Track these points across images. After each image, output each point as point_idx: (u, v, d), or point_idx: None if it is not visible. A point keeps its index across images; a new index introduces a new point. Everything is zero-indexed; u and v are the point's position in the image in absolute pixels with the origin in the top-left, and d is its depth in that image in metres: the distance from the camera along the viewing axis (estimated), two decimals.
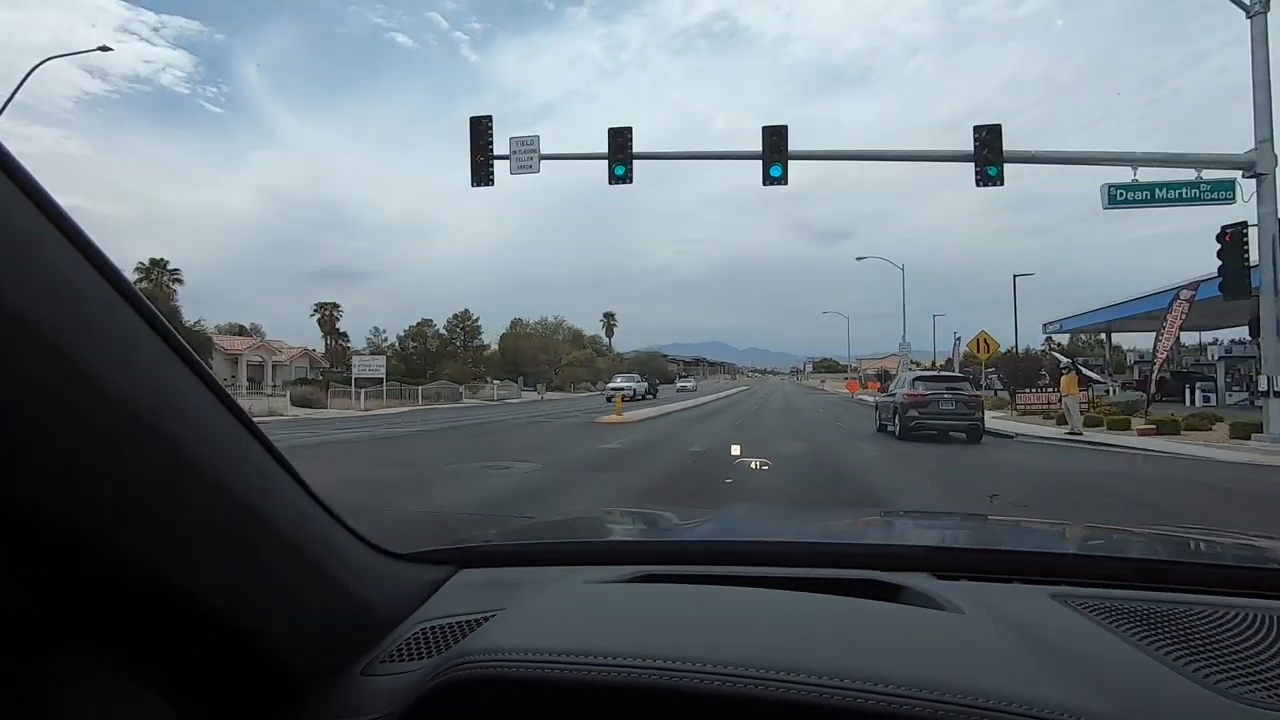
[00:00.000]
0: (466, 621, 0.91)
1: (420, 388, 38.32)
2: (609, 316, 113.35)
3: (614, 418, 21.11)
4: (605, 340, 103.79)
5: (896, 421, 14.54)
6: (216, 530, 0.64)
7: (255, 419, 0.71)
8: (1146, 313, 23.51)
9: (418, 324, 61.07)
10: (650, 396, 42.19)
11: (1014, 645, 0.72)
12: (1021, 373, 28.11)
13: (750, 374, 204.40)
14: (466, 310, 64.06)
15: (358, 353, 47.48)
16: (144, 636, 0.64)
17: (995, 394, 29.43)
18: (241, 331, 60.78)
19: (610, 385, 41.95)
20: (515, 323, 74.79)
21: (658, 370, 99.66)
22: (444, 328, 62.67)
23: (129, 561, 0.57)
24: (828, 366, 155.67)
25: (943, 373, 19.79)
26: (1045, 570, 1.02)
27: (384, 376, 34.85)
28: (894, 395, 15.51)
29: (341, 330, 62.20)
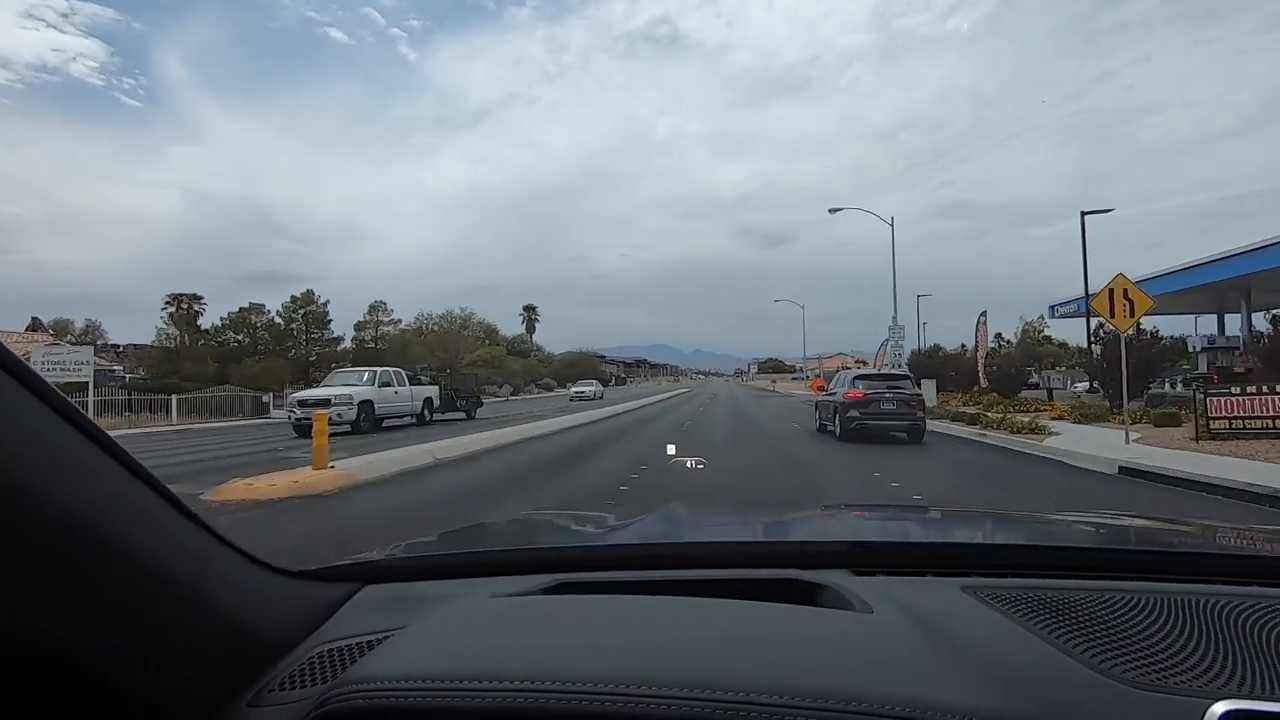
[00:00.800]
0: (365, 642, 0.86)
1: (175, 398, 24.54)
2: (529, 310, 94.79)
3: (278, 483, 7.74)
4: (528, 338, 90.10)
5: (837, 421, 14.27)
6: (48, 560, 0.55)
7: None
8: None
9: (241, 310, 45.98)
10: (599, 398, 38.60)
11: (921, 644, 0.73)
12: (1139, 363, 17.00)
13: (694, 376, 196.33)
14: (310, 291, 48.90)
15: (51, 343, 33.16)
16: None
17: (1084, 394, 23.45)
18: (63, 330, 45.72)
19: (575, 389, 39.78)
20: (420, 317, 61.65)
21: (590, 371, 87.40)
22: (279, 313, 47.48)
23: None
24: (774, 367, 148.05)
25: (884, 371, 18.77)
26: (957, 561, 1.04)
27: (90, 380, 21.38)
28: (834, 394, 15.22)
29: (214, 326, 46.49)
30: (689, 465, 8.59)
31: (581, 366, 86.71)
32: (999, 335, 53.81)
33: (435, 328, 59.80)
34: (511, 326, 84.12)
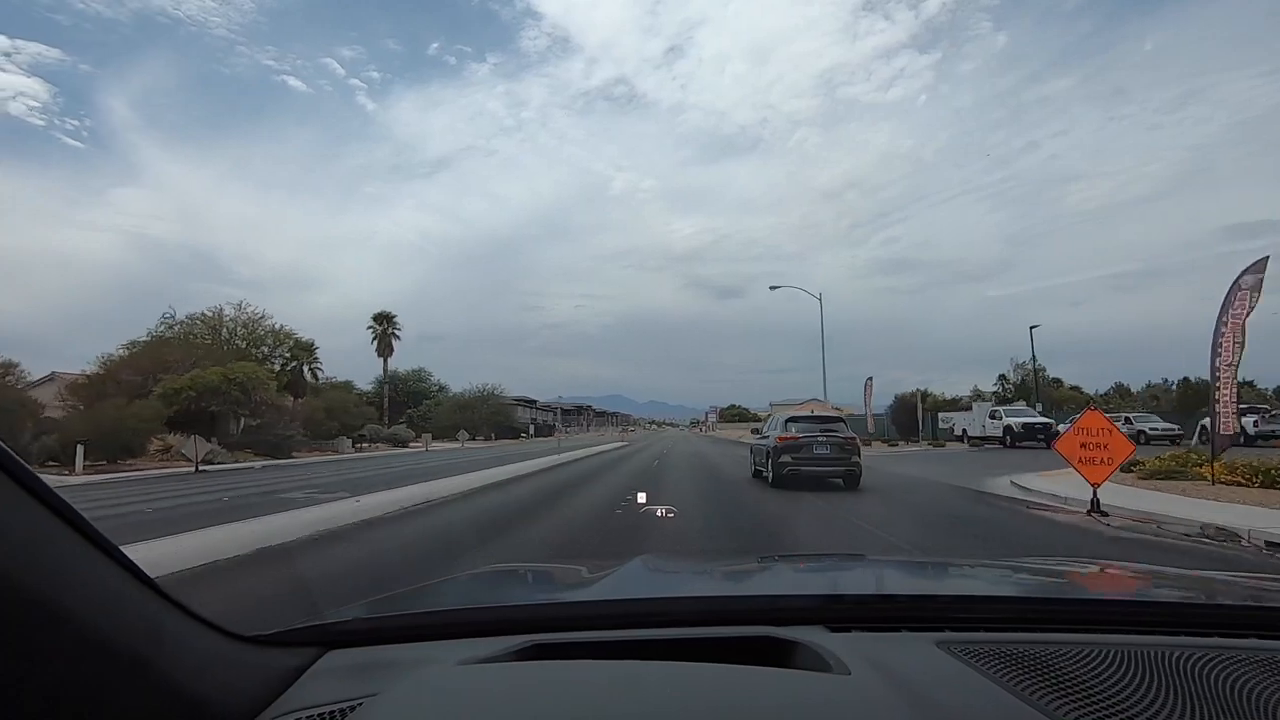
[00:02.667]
0: (329, 714, 0.82)
1: None
2: (384, 323, 58.84)
3: None
4: (378, 359, 59.78)
5: (770, 467, 13.29)
6: None
7: None
8: None
9: None
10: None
11: (898, 708, 0.73)
12: None
13: (647, 425, 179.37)
14: None
15: None
16: None
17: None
18: None
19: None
20: (163, 318, 39.20)
21: (495, 418, 69.05)
22: None
23: None
24: (736, 415, 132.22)
25: (817, 413, 15.88)
26: (931, 616, 1.04)
27: None
28: (767, 438, 14.08)
29: None
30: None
31: (480, 411, 66.96)
32: (1002, 377, 52.90)
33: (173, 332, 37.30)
34: (458, 379, 60.58)
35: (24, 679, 0.53)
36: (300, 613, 1.33)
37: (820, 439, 12.69)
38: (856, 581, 1.55)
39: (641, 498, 9.63)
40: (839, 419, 14.77)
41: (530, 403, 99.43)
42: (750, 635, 0.96)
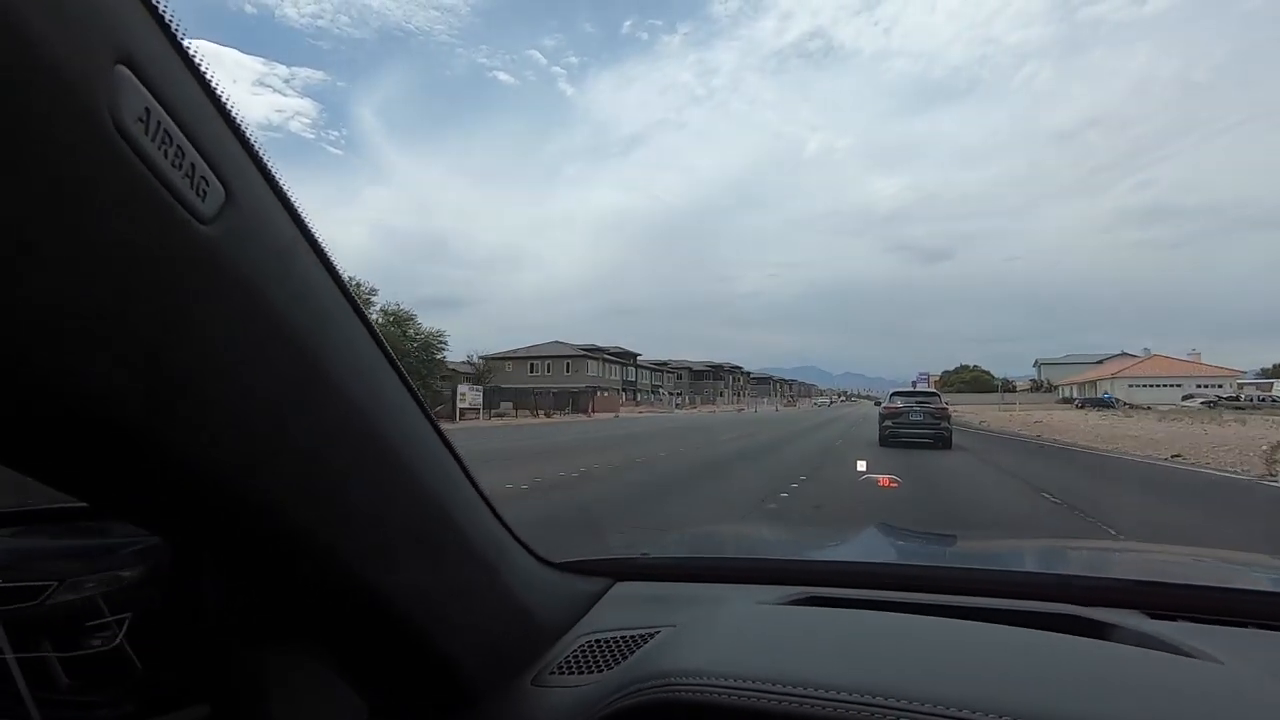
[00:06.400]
0: (634, 636, 0.90)
1: None
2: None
3: None
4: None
5: (878, 430, 16.11)
6: (414, 535, 0.66)
7: None
8: None
9: None
10: None
11: None
12: None
13: (837, 396, 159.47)
14: None
15: None
16: (343, 636, 0.67)
17: None
18: None
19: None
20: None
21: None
22: None
23: (339, 563, 0.58)
24: (971, 379, 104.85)
25: (916, 389, 20.49)
26: None
27: None
28: (880, 406, 18.35)
29: None
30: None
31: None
32: None
33: None
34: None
35: (428, 574, 0.68)
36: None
37: (916, 409, 15.46)
38: (1183, 570, 1.36)
39: None
40: (934, 393, 17.84)
41: (627, 357, 75.52)
42: (1045, 611, 0.90)
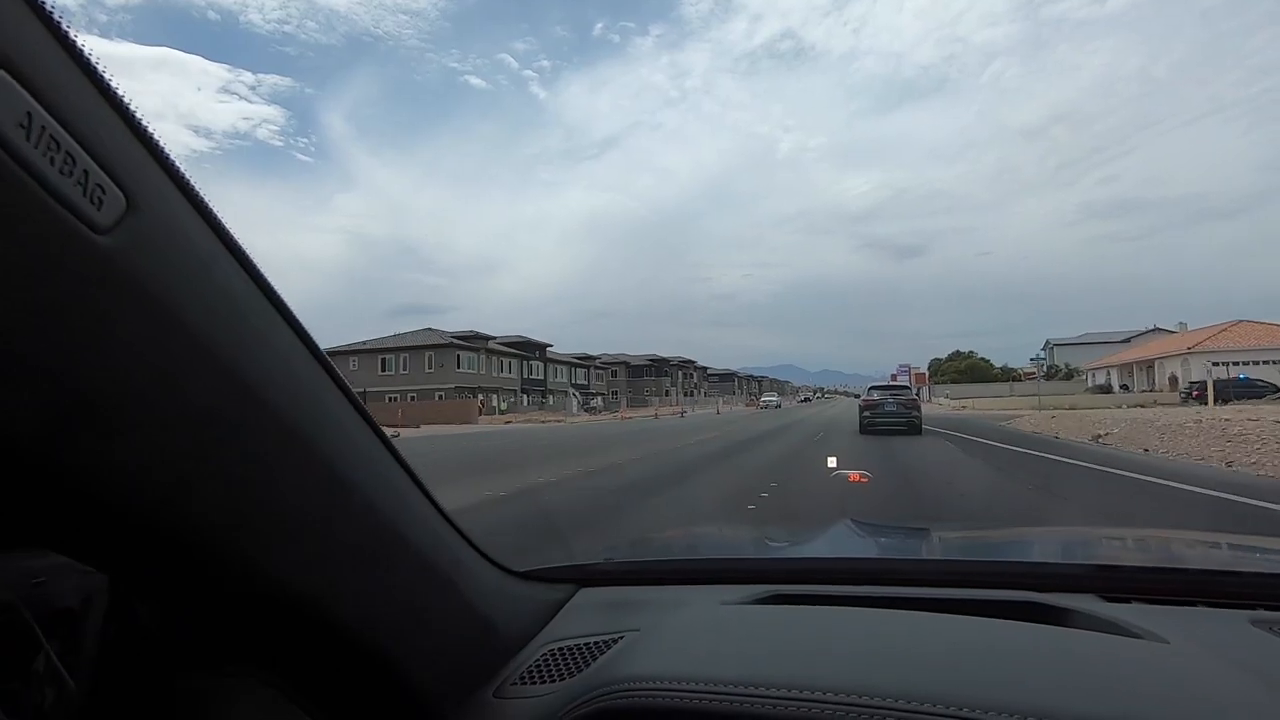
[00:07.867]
0: (596, 644, 0.89)
1: None
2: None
3: None
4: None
5: (859, 419, 18.29)
6: (364, 553, 0.64)
7: None
8: None
9: None
10: None
11: (1243, 682, 0.66)
12: None
13: (813, 393, 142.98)
14: None
15: None
16: (290, 656, 0.65)
17: None
18: None
19: None
20: None
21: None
22: None
23: (283, 580, 0.56)
24: (967, 368, 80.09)
25: (891, 383, 21.25)
26: (1237, 593, 0.94)
27: None
28: (858, 399, 20.36)
29: None
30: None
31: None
32: None
33: None
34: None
35: (379, 593, 0.66)
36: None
37: (890, 401, 17.66)
38: (1135, 553, 1.40)
39: None
40: (905, 387, 20.76)
41: (531, 349, 61.17)
42: (1004, 600, 0.91)
